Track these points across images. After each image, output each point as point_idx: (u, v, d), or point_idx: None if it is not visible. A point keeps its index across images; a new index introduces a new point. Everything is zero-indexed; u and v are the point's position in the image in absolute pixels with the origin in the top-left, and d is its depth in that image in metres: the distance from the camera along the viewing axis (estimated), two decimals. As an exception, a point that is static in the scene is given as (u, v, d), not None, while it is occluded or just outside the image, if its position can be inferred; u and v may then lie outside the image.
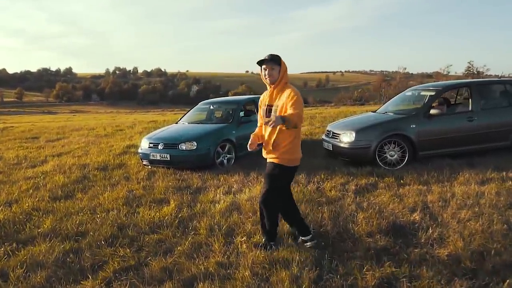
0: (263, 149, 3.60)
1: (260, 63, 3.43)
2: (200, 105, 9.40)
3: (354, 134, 6.77)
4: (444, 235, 3.65)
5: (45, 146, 11.51)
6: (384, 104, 8.48)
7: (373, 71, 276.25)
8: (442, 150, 6.82)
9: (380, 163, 6.61)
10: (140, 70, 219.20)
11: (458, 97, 8.78)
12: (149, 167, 7.52)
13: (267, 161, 3.58)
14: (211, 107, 9.00)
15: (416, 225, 3.91)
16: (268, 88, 3.55)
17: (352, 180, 5.75)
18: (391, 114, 7.40)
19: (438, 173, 5.80)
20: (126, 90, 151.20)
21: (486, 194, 4.74)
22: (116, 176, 7.01)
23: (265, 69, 3.43)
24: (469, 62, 65.66)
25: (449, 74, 71.78)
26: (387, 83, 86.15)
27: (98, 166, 7.93)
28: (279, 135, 3.45)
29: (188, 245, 3.73)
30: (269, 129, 3.45)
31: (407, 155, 6.62)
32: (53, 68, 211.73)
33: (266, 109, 3.51)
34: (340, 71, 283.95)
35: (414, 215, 4.14)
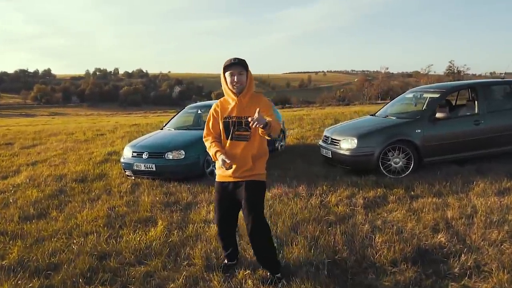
0: (229, 170, 2.98)
1: (225, 68, 2.90)
2: (187, 109, 8.79)
3: (356, 141, 6.27)
4: (480, 263, 3.16)
5: (19, 154, 10.73)
6: (384, 106, 8.00)
7: (354, 71, 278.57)
8: (448, 156, 6.39)
9: (384, 171, 6.13)
10: (121, 71, 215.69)
11: (459, 98, 8.38)
12: (133, 178, 6.89)
13: (240, 181, 3.00)
14: (199, 112, 8.38)
15: (444, 249, 3.41)
16: (230, 98, 3.01)
17: (358, 192, 5.25)
18: (393, 118, 6.93)
19: (450, 183, 5.35)
20: (107, 91, 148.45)
21: (509, 207, 4.30)
22: (96, 189, 6.36)
23: (232, 75, 2.90)
24: (450, 62, 66.77)
25: (429, 73, 72.76)
26: (369, 83, 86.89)
27: (76, 177, 7.26)
28: (259, 149, 3.01)
29: (182, 280, 3.14)
30: (241, 144, 2.97)
31: (412, 162, 6.16)
32: (31, 70, 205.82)
33: (234, 122, 2.97)
34: (322, 71, 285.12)
35: (438, 237, 3.64)
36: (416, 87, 8.40)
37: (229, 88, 2.96)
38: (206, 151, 6.84)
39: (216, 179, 3.15)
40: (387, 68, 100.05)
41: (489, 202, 4.49)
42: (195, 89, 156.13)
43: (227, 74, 2.93)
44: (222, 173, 3.08)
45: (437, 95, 6.72)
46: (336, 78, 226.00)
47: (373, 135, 6.34)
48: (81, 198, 5.86)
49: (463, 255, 3.25)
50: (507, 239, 3.51)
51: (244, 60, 2.92)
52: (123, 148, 10.52)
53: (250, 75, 2.98)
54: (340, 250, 3.52)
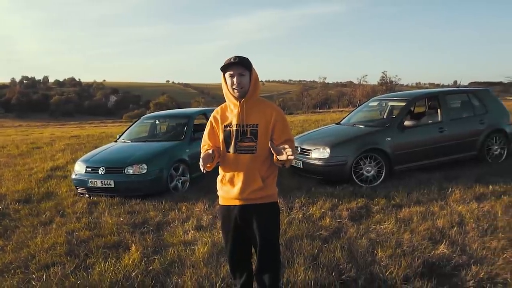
0: (233, 189, 2.53)
1: (224, 68, 2.50)
2: (143, 119, 8.19)
3: (328, 150, 6.13)
4: (491, 274, 3.07)
5: None
6: (349, 115, 7.98)
7: (292, 80, 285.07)
8: (416, 163, 6.46)
9: (356, 181, 6.05)
10: (51, 79, 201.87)
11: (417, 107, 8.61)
12: (87, 196, 6.21)
13: (248, 204, 2.52)
14: (157, 122, 7.85)
15: (452, 262, 3.29)
16: (232, 103, 2.58)
17: (339, 204, 5.07)
18: (362, 126, 6.91)
19: (427, 190, 5.36)
20: (36, 101, 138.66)
21: (494, 214, 4.34)
22: (46, 210, 5.62)
23: (231, 76, 2.49)
24: (383, 73, 70.96)
25: (363, 83, 76.63)
26: (307, 92, 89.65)
27: (18, 197, 6.43)
28: (269, 163, 2.53)
29: (179, 318, 2.71)
30: (246, 157, 2.50)
31: (383, 170, 6.15)
32: None
33: (237, 131, 2.52)
34: (261, 81, 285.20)
35: (440, 248, 3.53)
36: (380, 96, 8.54)
37: (230, 92, 2.55)
38: (169, 164, 6.49)
39: (219, 202, 2.68)
40: (325, 78, 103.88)
41: (469, 209, 4.52)
42: (132, 98, 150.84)
43: (226, 76, 2.52)
44: (224, 194, 2.59)
45: (403, 103, 6.81)
46: (275, 87, 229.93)
47: (345, 144, 6.25)
48: (30, 222, 5.13)
49: (472, 267, 3.15)
50: (509, 247, 3.48)
51: (246, 58, 2.51)
52: (67, 163, 9.70)
53: (255, 76, 2.55)
54: (345, 268, 3.28)
